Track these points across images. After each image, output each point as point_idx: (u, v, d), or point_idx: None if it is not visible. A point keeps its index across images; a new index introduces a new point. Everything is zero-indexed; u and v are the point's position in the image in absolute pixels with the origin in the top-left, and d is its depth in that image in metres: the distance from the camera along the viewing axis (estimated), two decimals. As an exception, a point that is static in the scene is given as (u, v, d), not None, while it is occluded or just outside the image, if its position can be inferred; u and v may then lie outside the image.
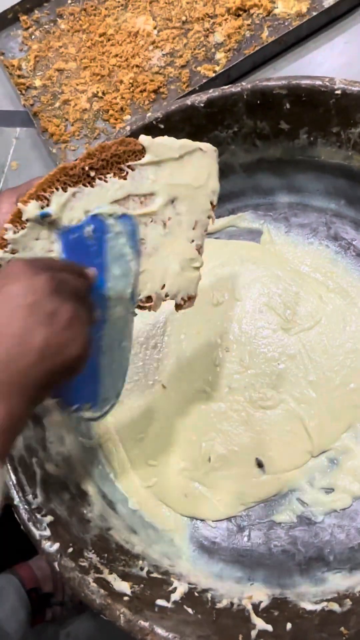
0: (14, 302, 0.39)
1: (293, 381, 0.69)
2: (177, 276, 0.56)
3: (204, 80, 0.82)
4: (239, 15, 0.86)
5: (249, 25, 0.85)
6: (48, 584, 0.83)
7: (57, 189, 0.51)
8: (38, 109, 0.88)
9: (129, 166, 0.54)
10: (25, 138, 0.90)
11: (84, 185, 0.52)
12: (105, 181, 0.53)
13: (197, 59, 0.85)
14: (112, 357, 0.56)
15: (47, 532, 0.57)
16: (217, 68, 0.83)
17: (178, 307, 0.58)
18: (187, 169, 0.56)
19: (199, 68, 0.85)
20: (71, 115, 0.87)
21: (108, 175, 0.53)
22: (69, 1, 0.95)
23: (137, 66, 0.87)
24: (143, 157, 0.55)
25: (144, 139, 0.55)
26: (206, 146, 0.58)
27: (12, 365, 0.38)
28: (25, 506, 0.58)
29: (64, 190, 0.51)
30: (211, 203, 0.58)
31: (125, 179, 0.54)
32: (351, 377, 0.69)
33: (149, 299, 0.56)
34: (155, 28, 0.89)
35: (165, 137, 0.56)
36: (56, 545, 0.56)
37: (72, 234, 0.52)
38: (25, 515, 0.57)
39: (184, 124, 0.69)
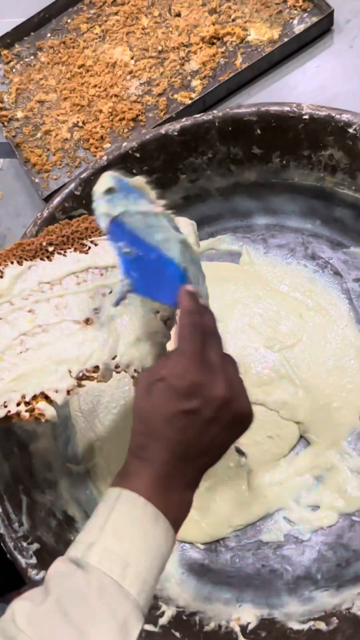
0: (203, 417, 0.44)
1: (277, 394, 0.70)
2: (130, 347, 0.54)
3: (181, 107, 0.84)
4: (213, 44, 0.88)
5: (223, 52, 0.87)
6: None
7: (12, 262, 0.53)
8: (20, 140, 0.90)
9: (92, 241, 0.55)
10: (9, 169, 0.92)
11: (41, 259, 0.54)
12: (64, 255, 0.54)
13: (173, 87, 0.87)
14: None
15: (34, 560, 0.58)
16: (193, 95, 0.86)
17: (134, 380, 0.55)
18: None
19: (175, 95, 0.87)
20: (52, 145, 0.89)
21: (68, 250, 0.55)
22: (49, 35, 0.97)
23: (115, 95, 0.89)
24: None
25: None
26: (180, 220, 0.56)
27: (201, 462, 0.46)
28: (12, 534, 0.58)
29: (19, 263, 0.53)
30: None
31: (86, 253, 0.55)
32: (334, 395, 0.70)
33: (95, 368, 0.53)
34: (132, 58, 0.91)
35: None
36: (42, 573, 0.57)
37: None
38: (11, 544, 0.58)
39: (159, 152, 0.71)
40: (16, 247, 0.54)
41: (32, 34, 0.98)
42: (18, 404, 0.52)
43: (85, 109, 0.89)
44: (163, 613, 0.59)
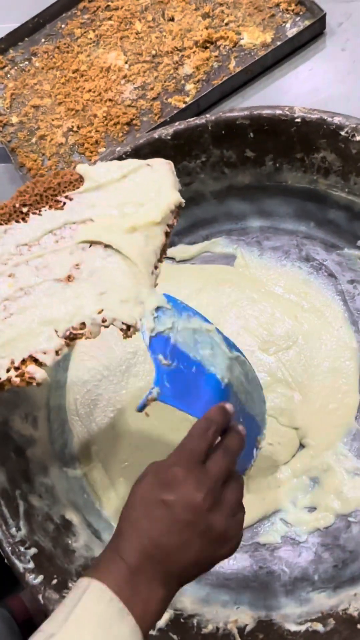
0: (176, 515, 0.44)
1: (274, 399, 0.70)
2: (116, 299, 0.51)
3: (175, 111, 0.84)
4: (206, 48, 0.89)
5: (216, 56, 0.88)
6: (40, 616, 0.83)
7: None
8: (15, 145, 0.90)
9: (66, 197, 0.54)
10: (4, 174, 0.92)
11: (17, 221, 0.53)
12: (40, 214, 0.53)
13: (167, 91, 0.88)
14: (252, 400, 0.57)
15: (31, 565, 0.58)
16: (187, 99, 0.86)
17: (123, 333, 0.52)
18: (130, 187, 0.54)
19: (169, 99, 0.87)
20: (47, 150, 0.89)
21: (43, 209, 0.53)
22: (43, 40, 0.98)
23: (110, 100, 0.89)
24: (81, 185, 0.54)
25: (80, 167, 0.55)
26: (155, 161, 0.56)
27: (171, 563, 0.44)
28: (9, 539, 0.58)
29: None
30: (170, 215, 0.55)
31: (62, 209, 0.54)
32: (330, 397, 0.70)
33: (82, 325, 0.51)
34: (126, 63, 0.91)
35: (106, 162, 0.56)
36: (40, 578, 0.57)
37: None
38: (8, 549, 0.58)
39: (153, 156, 0.70)
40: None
41: (26, 39, 0.98)
42: (8, 370, 0.50)
43: (79, 114, 0.90)
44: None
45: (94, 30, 0.95)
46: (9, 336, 0.51)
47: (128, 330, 0.51)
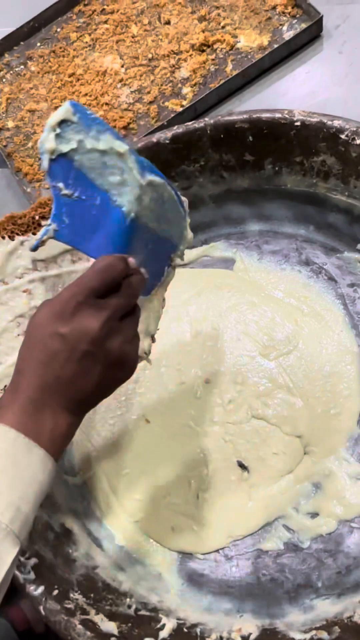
0: (73, 346, 0.44)
1: (276, 407, 0.69)
2: None
3: (172, 115, 0.84)
4: (203, 51, 0.88)
5: (213, 59, 0.88)
6: (40, 625, 0.82)
7: (2, 237, 0.51)
8: (11, 149, 0.90)
9: None
10: (0, 179, 0.91)
11: (33, 234, 0.52)
12: None
13: (164, 95, 0.87)
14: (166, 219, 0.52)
15: (32, 576, 0.57)
16: (184, 102, 0.86)
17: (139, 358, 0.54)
18: None
19: (166, 103, 0.87)
20: (44, 155, 0.88)
21: None
22: (38, 44, 0.97)
23: (106, 104, 0.89)
24: None
25: None
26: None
27: (73, 392, 0.45)
28: (9, 549, 0.57)
29: (11, 238, 0.51)
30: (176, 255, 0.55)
31: None
32: (331, 402, 0.69)
33: None
34: (122, 66, 0.91)
35: None
36: (41, 589, 0.56)
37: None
38: (8, 559, 0.57)
39: (151, 160, 0.69)
40: (7, 220, 0.52)
41: (21, 43, 0.97)
42: None
43: (76, 118, 0.89)
44: (164, 626, 0.58)
45: (89, 34, 0.95)
46: None
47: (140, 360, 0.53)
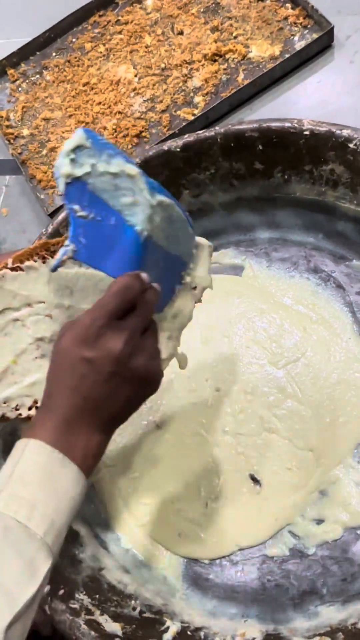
0: (99, 368, 0.46)
1: (287, 420, 0.69)
2: None
3: (184, 124, 0.85)
4: (215, 61, 0.89)
5: (225, 69, 0.89)
6: (47, 628, 0.82)
7: (35, 261, 0.53)
8: (26, 157, 0.91)
9: None
10: (15, 185, 0.93)
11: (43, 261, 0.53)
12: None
13: (176, 104, 0.89)
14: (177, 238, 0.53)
15: (38, 575, 0.57)
16: (196, 111, 0.87)
17: None
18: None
19: (178, 112, 0.88)
20: (58, 162, 0.90)
21: None
22: (54, 54, 0.99)
23: (119, 112, 0.90)
24: None
25: None
26: (201, 241, 0.57)
27: (103, 412, 0.47)
28: (16, 549, 0.58)
29: (43, 262, 0.53)
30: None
31: None
32: (339, 410, 0.69)
33: None
34: (136, 76, 0.93)
35: None
36: (46, 588, 0.57)
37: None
38: (15, 559, 0.57)
39: (162, 168, 0.71)
40: (41, 245, 0.53)
41: (37, 53, 0.99)
42: (29, 408, 0.53)
43: (89, 126, 0.91)
44: (168, 628, 0.59)
45: (104, 44, 0.96)
46: (38, 378, 0.53)
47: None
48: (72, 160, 0.46)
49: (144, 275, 0.47)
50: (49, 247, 0.54)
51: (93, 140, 0.46)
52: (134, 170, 0.47)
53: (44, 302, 0.54)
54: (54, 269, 0.48)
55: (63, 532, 0.44)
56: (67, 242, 0.46)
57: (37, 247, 0.53)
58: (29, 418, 0.53)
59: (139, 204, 0.47)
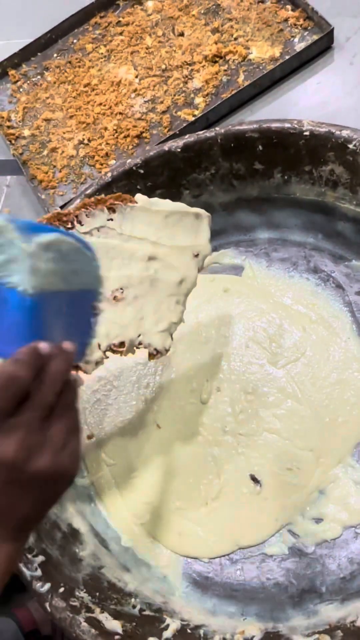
0: None
1: (286, 420, 0.70)
2: (153, 327, 0.58)
3: (184, 124, 0.85)
4: (215, 62, 0.90)
5: (225, 70, 0.89)
6: (46, 626, 0.83)
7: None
8: (27, 157, 0.92)
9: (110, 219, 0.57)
10: (16, 185, 0.93)
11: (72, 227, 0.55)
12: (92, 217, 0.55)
13: (177, 104, 0.89)
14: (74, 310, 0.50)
15: (39, 573, 0.58)
16: (196, 112, 0.87)
17: (151, 356, 0.60)
18: (175, 229, 0.59)
19: (179, 113, 0.88)
20: (59, 162, 0.90)
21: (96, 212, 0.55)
22: (55, 55, 0.99)
23: (120, 113, 0.90)
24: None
25: (140, 197, 0.58)
26: (200, 211, 0.60)
27: (8, 521, 0.42)
28: (17, 547, 0.58)
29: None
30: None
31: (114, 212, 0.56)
32: (339, 410, 0.69)
33: (122, 344, 0.57)
34: (136, 77, 0.93)
35: (162, 200, 0.59)
36: (47, 586, 0.57)
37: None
38: (16, 557, 0.58)
39: (163, 168, 0.72)
40: (54, 216, 0.53)
41: (39, 54, 1.00)
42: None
43: (90, 127, 0.91)
44: (167, 626, 0.59)
45: (105, 45, 0.97)
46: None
47: (157, 354, 0.59)
48: None
49: (41, 345, 0.40)
50: (61, 217, 0.55)
51: None
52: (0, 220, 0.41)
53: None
54: None
55: None
56: None
57: (51, 217, 0.55)
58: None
59: (15, 260, 0.40)
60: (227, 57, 0.90)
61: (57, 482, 0.43)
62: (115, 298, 0.57)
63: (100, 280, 0.54)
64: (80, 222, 0.56)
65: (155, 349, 0.59)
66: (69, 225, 0.55)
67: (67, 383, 0.43)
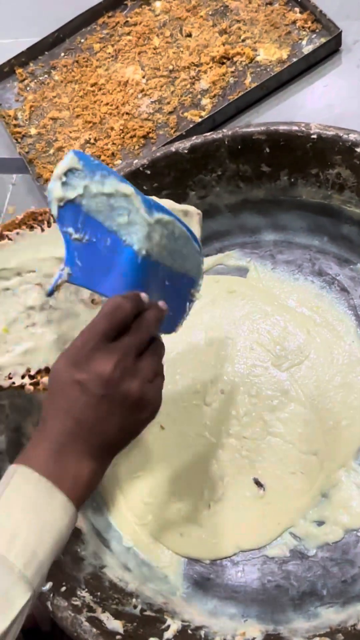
0: (89, 391, 0.44)
1: (290, 424, 0.70)
2: None
3: (191, 125, 0.85)
4: (223, 63, 0.90)
5: (232, 72, 0.89)
6: (46, 624, 0.83)
7: (23, 229, 0.54)
8: (33, 156, 0.92)
9: None
10: (21, 184, 0.93)
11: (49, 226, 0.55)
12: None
13: (184, 105, 0.89)
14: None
15: (40, 572, 0.58)
16: (203, 113, 0.87)
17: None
18: None
19: (185, 114, 0.88)
20: (65, 162, 0.90)
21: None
22: (62, 54, 0.99)
23: (127, 113, 0.91)
24: None
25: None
26: (189, 208, 0.58)
27: (95, 438, 0.45)
28: (19, 546, 0.58)
29: (31, 231, 0.54)
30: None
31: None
32: (342, 413, 0.69)
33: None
34: (143, 77, 0.93)
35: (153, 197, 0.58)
36: (49, 585, 0.57)
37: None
38: (18, 555, 0.58)
39: (169, 169, 0.72)
40: (28, 216, 0.54)
41: (46, 53, 1.00)
42: (22, 377, 0.53)
43: (97, 126, 0.91)
44: (168, 627, 0.59)
45: (112, 45, 0.97)
46: (30, 347, 0.53)
47: None
48: (64, 184, 0.45)
49: (143, 295, 0.46)
50: (37, 217, 0.54)
51: (85, 161, 0.46)
52: (128, 189, 0.47)
53: (34, 271, 0.54)
54: (49, 294, 0.47)
55: (46, 565, 0.42)
56: (62, 266, 0.45)
57: (25, 217, 0.54)
58: (22, 387, 0.53)
59: (136, 223, 0.47)
60: (235, 59, 0.90)
61: (141, 409, 0.46)
62: (93, 301, 0.55)
63: (201, 272, 0.57)
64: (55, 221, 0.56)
65: None
66: (45, 225, 0.55)
67: (156, 339, 0.48)
